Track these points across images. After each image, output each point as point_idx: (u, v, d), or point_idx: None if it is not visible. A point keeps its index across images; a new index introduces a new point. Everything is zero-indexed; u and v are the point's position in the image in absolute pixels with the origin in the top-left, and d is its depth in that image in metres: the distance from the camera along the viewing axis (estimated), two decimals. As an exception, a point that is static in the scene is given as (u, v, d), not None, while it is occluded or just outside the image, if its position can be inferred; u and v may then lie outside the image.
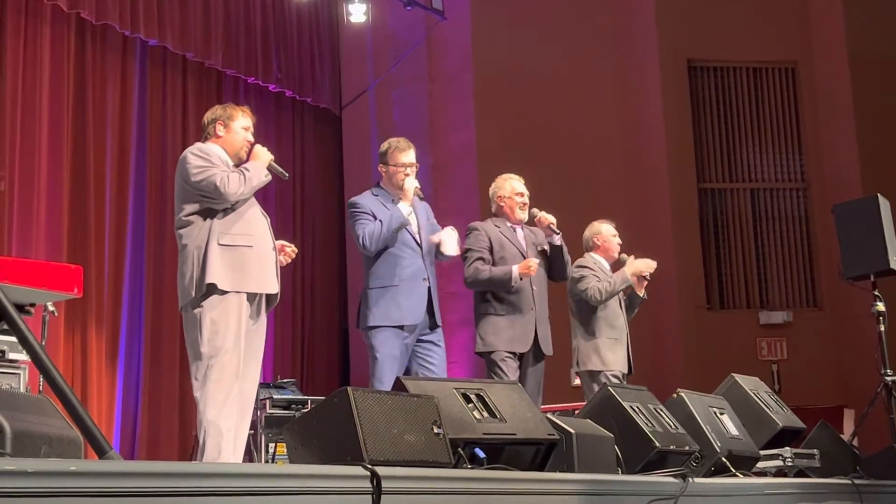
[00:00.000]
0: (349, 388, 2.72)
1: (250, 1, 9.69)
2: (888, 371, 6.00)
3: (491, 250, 5.29)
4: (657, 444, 3.69)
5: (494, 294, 5.24)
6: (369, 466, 2.40)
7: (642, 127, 10.21)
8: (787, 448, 4.72)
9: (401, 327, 4.77)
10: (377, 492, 2.34)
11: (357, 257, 10.51)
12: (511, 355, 5.16)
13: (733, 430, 4.43)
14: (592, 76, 10.21)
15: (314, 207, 10.49)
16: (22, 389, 5.32)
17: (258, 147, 4.32)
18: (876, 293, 6.22)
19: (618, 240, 6.03)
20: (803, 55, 10.57)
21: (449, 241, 4.94)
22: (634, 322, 6.06)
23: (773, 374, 9.76)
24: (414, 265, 4.86)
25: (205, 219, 4.12)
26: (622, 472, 3.60)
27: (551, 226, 5.38)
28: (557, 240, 5.40)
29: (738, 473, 4.12)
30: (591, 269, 5.82)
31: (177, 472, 1.94)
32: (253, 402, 4.28)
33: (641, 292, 5.92)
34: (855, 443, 5.88)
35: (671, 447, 3.79)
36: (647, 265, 5.83)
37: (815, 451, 4.88)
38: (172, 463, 2.12)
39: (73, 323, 7.85)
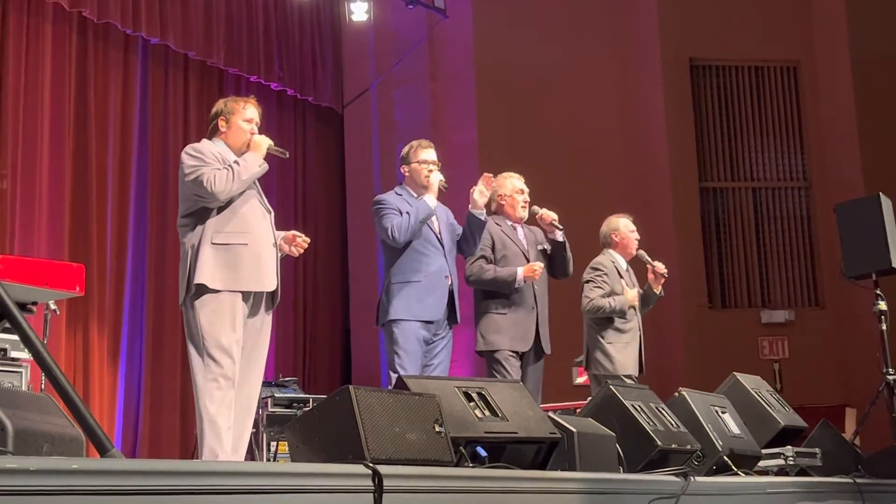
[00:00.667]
0: (351, 387, 2.72)
1: (252, -1, 9.71)
2: (890, 370, 6.01)
3: (493, 249, 5.29)
4: (659, 442, 3.69)
5: (496, 292, 5.24)
6: (371, 465, 2.40)
7: (644, 125, 10.20)
8: (789, 447, 4.71)
9: (421, 322, 4.78)
10: (379, 490, 2.34)
11: (359, 257, 10.59)
12: (514, 354, 5.16)
13: (735, 429, 4.42)
14: (594, 75, 10.21)
15: (316, 206, 10.49)
16: (24, 387, 5.33)
17: (255, 136, 4.26)
18: (878, 292, 6.22)
19: (636, 235, 5.90)
20: (805, 54, 10.57)
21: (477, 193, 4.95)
22: (636, 321, 6.04)
23: (775, 372, 9.75)
24: (437, 262, 4.87)
25: (200, 218, 4.12)
26: (624, 471, 3.60)
27: (553, 222, 5.37)
28: (560, 235, 5.39)
29: (739, 472, 4.11)
30: (602, 271, 5.71)
31: (178, 471, 1.95)
32: (256, 400, 4.27)
33: (658, 290, 5.87)
34: (857, 442, 5.87)
35: (673, 446, 3.79)
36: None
37: (817, 450, 4.87)
38: (174, 461, 2.12)
39: (75, 321, 7.85)
